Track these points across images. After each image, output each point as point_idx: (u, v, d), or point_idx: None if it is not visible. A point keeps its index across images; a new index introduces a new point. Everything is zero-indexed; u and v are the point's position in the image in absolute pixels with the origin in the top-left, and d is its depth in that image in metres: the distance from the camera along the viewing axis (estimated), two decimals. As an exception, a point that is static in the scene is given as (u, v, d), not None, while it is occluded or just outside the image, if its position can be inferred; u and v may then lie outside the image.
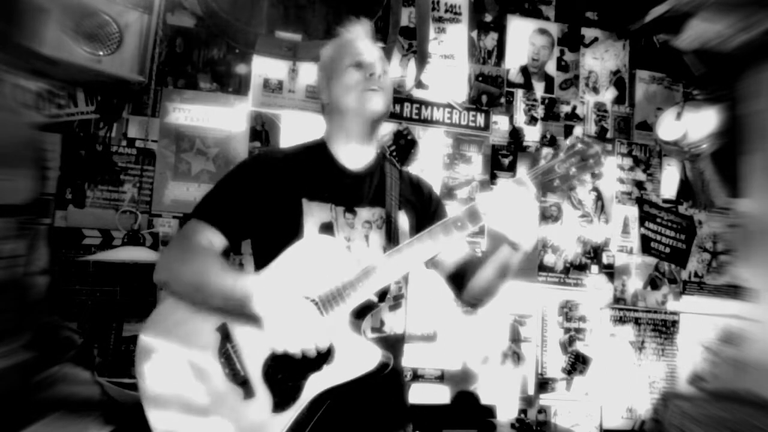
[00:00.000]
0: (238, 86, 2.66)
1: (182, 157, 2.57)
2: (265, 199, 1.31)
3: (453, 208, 2.92)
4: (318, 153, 1.43)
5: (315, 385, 1.17)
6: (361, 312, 1.23)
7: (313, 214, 1.30)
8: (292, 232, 1.28)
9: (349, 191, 1.37)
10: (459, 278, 1.44)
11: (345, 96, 1.37)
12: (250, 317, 1.14)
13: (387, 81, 1.41)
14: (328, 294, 1.19)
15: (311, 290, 1.19)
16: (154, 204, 2.51)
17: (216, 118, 2.61)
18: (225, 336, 1.21)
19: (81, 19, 2.03)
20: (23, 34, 1.83)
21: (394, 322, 1.35)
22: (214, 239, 1.27)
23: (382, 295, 1.28)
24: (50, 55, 1.97)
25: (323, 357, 1.16)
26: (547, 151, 2.97)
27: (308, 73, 2.72)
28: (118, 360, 2.37)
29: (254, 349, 1.20)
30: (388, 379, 1.25)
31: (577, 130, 3.04)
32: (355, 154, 1.42)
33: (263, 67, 2.68)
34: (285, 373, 1.18)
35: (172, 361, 1.23)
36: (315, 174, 1.37)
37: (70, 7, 2.00)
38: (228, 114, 2.63)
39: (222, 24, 2.47)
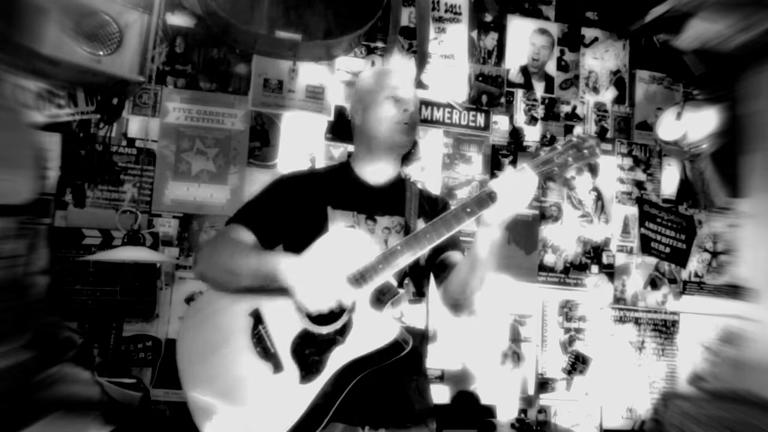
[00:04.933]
0: (238, 86, 2.66)
1: (182, 157, 2.57)
2: (294, 207, 1.46)
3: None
4: (343, 171, 1.58)
5: (338, 357, 1.27)
6: (382, 295, 1.31)
7: (337, 219, 1.43)
8: (318, 233, 1.38)
9: (371, 201, 1.50)
10: (443, 279, 1.50)
11: (377, 126, 1.50)
12: (279, 291, 1.24)
13: (417, 117, 1.58)
14: (351, 276, 1.27)
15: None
16: (154, 204, 2.51)
17: (216, 118, 2.61)
18: (257, 319, 1.35)
19: (81, 19, 2.03)
20: (23, 34, 1.83)
21: (414, 315, 1.44)
22: (245, 236, 1.40)
23: (401, 282, 1.39)
24: (50, 55, 1.97)
25: (343, 333, 1.27)
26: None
27: (308, 73, 2.72)
28: (118, 360, 2.37)
29: (283, 329, 1.32)
30: (411, 374, 1.37)
31: (578, 130, 3.04)
32: (378, 172, 1.55)
33: (263, 67, 2.68)
34: (311, 349, 1.29)
35: (209, 342, 1.36)
36: (339, 187, 1.52)
37: (70, 7, 2.00)
38: (228, 114, 2.63)
39: (222, 24, 2.47)
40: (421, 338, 1.46)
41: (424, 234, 1.29)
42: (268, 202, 1.49)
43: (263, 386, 1.29)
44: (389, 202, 1.52)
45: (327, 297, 1.20)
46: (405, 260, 1.28)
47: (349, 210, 1.45)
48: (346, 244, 1.32)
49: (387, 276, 1.29)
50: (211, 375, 1.33)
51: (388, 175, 1.57)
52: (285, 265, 1.24)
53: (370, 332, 1.26)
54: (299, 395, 1.26)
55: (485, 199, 1.26)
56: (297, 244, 1.41)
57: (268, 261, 1.26)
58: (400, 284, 1.39)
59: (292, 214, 1.46)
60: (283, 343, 1.31)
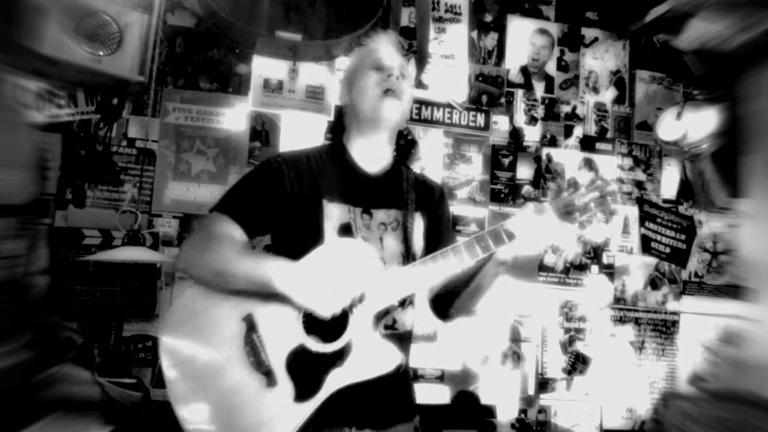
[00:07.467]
0: (238, 86, 2.66)
1: (182, 157, 2.57)
2: (285, 197, 1.36)
3: (453, 209, 2.88)
4: (337, 155, 1.47)
5: (336, 380, 1.22)
6: (381, 316, 1.29)
7: (332, 215, 1.35)
8: (311, 231, 1.33)
9: (367, 193, 1.42)
10: (437, 291, 1.50)
11: (362, 99, 1.42)
12: (275, 297, 1.19)
13: (405, 85, 1.44)
14: (354, 298, 1.24)
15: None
16: (154, 204, 2.51)
17: (216, 118, 2.61)
18: (251, 326, 1.26)
19: (81, 19, 2.03)
20: (23, 34, 1.83)
21: (405, 320, 1.41)
22: (234, 231, 1.32)
23: (402, 300, 1.35)
24: (50, 55, 1.97)
25: (342, 354, 1.22)
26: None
27: (308, 73, 2.72)
28: (118, 360, 2.37)
29: (278, 341, 1.24)
30: (394, 374, 1.30)
31: (578, 130, 3.04)
32: (372, 157, 1.46)
33: (263, 67, 2.68)
34: (308, 366, 1.23)
35: (196, 348, 1.27)
36: (334, 176, 1.42)
37: (70, 7, 2.00)
38: (228, 114, 2.63)
39: (222, 24, 2.47)
40: (407, 338, 1.44)
41: (433, 263, 1.27)
42: (257, 189, 1.39)
43: (255, 400, 1.22)
44: (385, 193, 1.44)
45: (335, 297, 1.16)
46: (411, 291, 1.29)
47: (344, 203, 1.37)
48: (344, 257, 1.25)
49: (391, 302, 1.27)
50: (200, 385, 1.24)
51: (383, 159, 1.48)
52: (280, 272, 1.18)
53: (371, 359, 1.24)
54: (293, 413, 1.20)
55: (501, 236, 1.26)
56: (288, 240, 1.36)
57: (262, 267, 1.20)
58: (401, 303, 1.37)
59: (283, 204, 1.36)
60: (277, 356, 1.24)
